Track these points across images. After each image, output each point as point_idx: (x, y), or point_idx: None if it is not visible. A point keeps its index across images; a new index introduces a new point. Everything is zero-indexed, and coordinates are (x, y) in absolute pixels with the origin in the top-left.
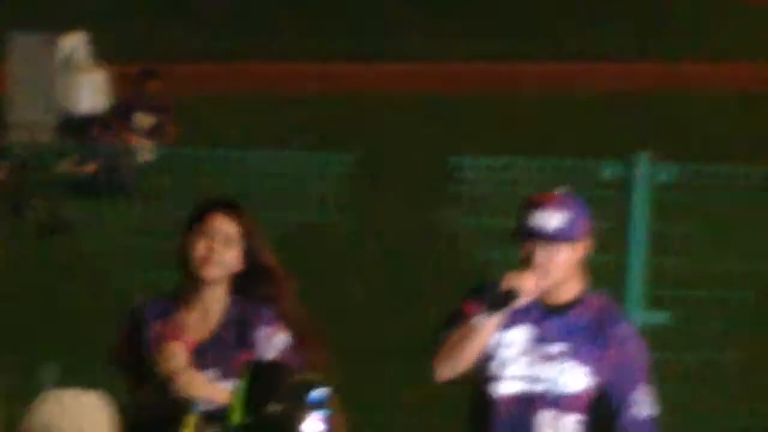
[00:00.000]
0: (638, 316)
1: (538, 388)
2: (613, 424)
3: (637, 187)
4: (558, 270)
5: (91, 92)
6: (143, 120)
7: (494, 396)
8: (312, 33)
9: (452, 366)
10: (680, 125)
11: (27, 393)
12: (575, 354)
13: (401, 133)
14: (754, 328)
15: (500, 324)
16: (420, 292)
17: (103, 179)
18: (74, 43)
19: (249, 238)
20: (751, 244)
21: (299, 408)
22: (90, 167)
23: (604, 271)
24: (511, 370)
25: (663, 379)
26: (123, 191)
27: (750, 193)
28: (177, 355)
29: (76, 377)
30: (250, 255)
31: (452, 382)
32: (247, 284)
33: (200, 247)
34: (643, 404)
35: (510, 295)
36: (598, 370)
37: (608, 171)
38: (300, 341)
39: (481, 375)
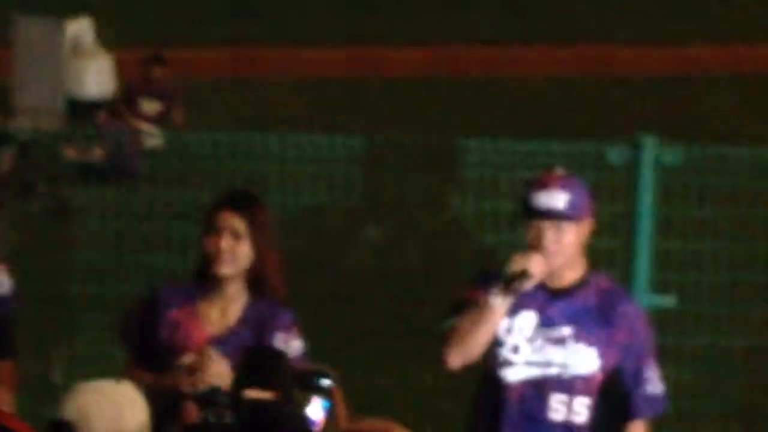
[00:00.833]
0: (644, 299)
1: (549, 372)
2: (623, 404)
3: (643, 171)
4: (565, 250)
5: (97, 77)
6: (150, 106)
7: (505, 382)
8: (318, 17)
9: (464, 352)
10: (687, 108)
11: (34, 380)
12: (583, 336)
13: (408, 117)
14: (762, 312)
15: (508, 309)
16: (425, 274)
17: (109, 165)
18: (80, 28)
19: (258, 235)
20: (758, 227)
21: (297, 394)
22: (97, 153)
23: (610, 254)
24: (521, 356)
25: (669, 363)
26: (130, 177)
27: (757, 175)
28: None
29: (81, 364)
30: (258, 252)
31: (463, 369)
32: (259, 279)
33: (210, 244)
34: (654, 381)
35: (521, 277)
36: (607, 352)
37: (614, 154)
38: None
39: (490, 361)
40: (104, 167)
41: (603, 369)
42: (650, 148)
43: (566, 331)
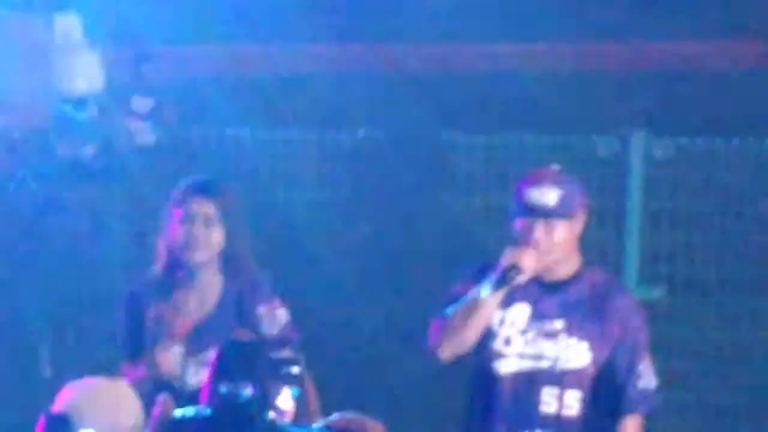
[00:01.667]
0: (634, 292)
1: (541, 365)
2: (615, 398)
3: (632, 164)
4: (558, 247)
5: (87, 74)
6: (141, 102)
7: (497, 374)
8: (309, 13)
9: (456, 344)
10: (675, 102)
11: (23, 374)
12: (576, 330)
13: (398, 113)
14: (751, 304)
15: (500, 302)
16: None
17: (100, 162)
18: (69, 24)
19: (228, 218)
20: (747, 221)
21: (269, 385)
22: (87, 149)
23: (600, 247)
24: (513, 348)
25: (658, 355)
26: (121, 173)
27: (746, 168)
28: (166, 364)
29: (69, 360)
30: (230, 236)
31: (454, 362)
32: (232, 261)
33: (182, 233)
34: (647, 376)
35: (512, 271)
36: (599, 345)
37: (604, 147)
38: None
39: (482, 354)
40: (95, 164)
41: (595, 363)
42: (639, 141)
43: (559, 324)
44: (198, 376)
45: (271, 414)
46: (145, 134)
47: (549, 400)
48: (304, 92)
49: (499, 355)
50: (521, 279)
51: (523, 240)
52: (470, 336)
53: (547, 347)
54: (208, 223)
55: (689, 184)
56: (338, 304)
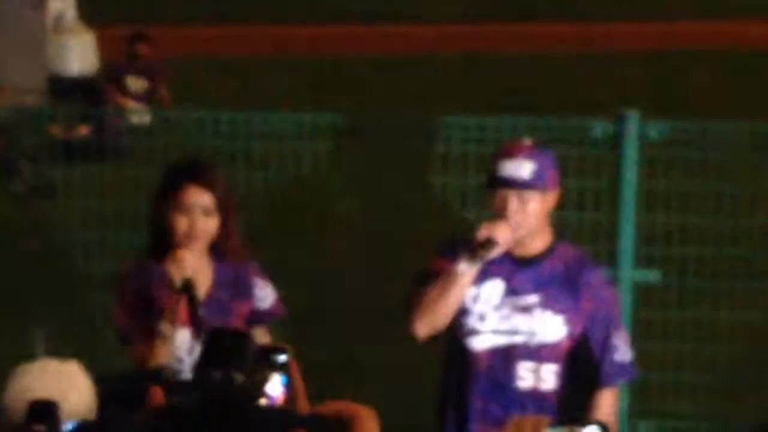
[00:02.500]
0: (629, 274)
1: (516, 340)
2: (590, 372)
3: (627, 145)
4: (531, 219)
5: (80, 54)
6: (135, 83)
7: (472, 351)
8: None
9: (431, 322)
10: (671, 83)
11: (13, 359)
12: (551, 304)
13: (391, 94)
14: (746, 286)
15: (474, 278)
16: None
17: (95, 143)
18: (62, 5)
19: (224, 206)
20: (742, 202)
21: (258, 372)
22: (81, 130)
23: (595, 228)
24: (487, 324)
25: (654, 337)
26: (116, 154)
27: (741, 149)
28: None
29: (61, 343)
30: (224, 224)
31: (431, 340)
32: (222, 245)
33: (182, 224)
34: (622, 349)
35: (487, 244)
36: (574, 319)
37: (599, 129)
38: None
39: (457, 331)
40: (89, 145)
41: (570, 336)
42: (634, 122)
43: (533, 299)
44: None
45: (263, 401)
46: (140, 115)
47: (525, 375)
48: (299, 73)
49: (474, 332)
50: (496, 252)
51: (496, 212)
52: (446, 312)
53: (522, 322)
54: (206, 213)
55: (685, 165)
56: (326, 282)
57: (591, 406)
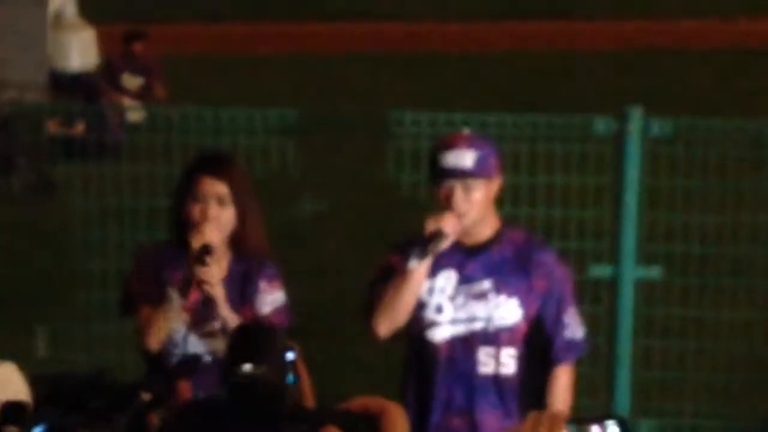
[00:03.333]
0: (631, 271)
1: (475, 326)
2: (546, 352)
3: (629, 142)
4: (476, 207)
5: (80, 51)
6: (131, 81)
7: (433, 342)
8: None
9: (390, 320)
10: (673, 81)
11: (19, 354)
12: (504, 287)
13: (392, 94)
14: (748, 284)
15: (427, 271)
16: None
17: (92, 139)
18: (63, 2)
19: (240, 198)
20: (745, 199)
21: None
22: (79, 127)
23: (597, 225)
24: (445, 315)
25: (655, 334)
26: (112, 151)
27: (743, 146)
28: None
29: (66, 339)
30: (241, 215)
31: (392, 338)
32: (241, 239)
33: (195, 213)
34: (573, 326)
35: (436, 238)
36: (528, 301)
37: (601, 126)
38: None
39: (416, 325)
40: (86, 142)
41: (526, 318)
42: (637, 119)
43: (486, 284)
44: (198, 347)
45: (287, 396)
46: (136, 111)
47: (486, 360)
48: (288, 71)
49: (433, 324)
50: (445, 244)
51: (442, 204)
52: (403, 310)
53: (479, 308)
54: (221, 203)
55: (687, 163)
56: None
57: (547, 384)
